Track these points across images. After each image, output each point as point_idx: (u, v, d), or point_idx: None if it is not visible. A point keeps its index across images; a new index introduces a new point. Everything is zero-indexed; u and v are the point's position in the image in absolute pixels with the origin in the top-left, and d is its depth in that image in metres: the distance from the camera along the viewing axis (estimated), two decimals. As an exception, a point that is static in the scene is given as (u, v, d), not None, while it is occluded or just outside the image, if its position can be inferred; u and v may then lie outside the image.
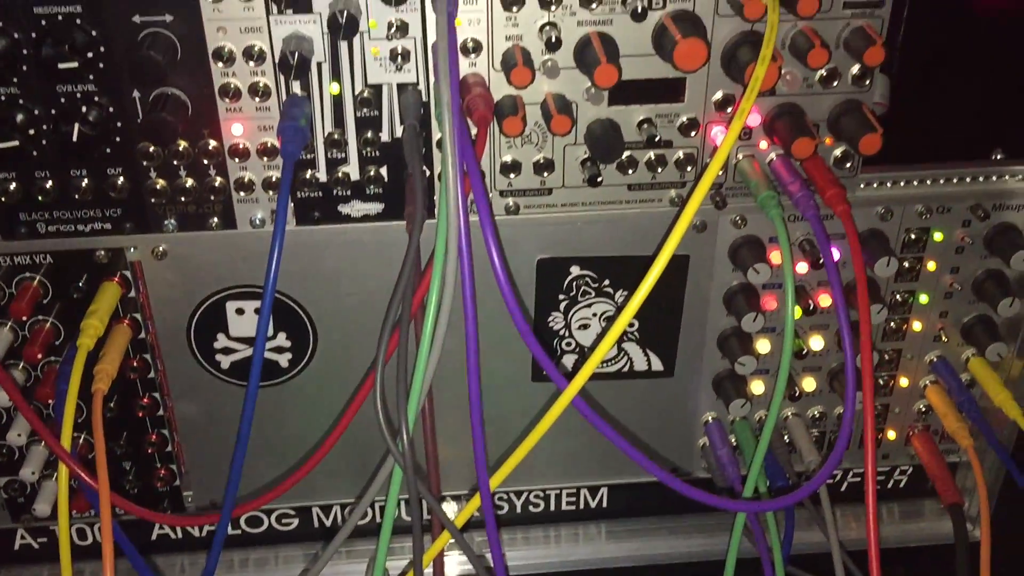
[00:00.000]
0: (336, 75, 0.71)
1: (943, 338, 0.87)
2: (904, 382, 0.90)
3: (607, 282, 0.83)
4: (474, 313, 0.62)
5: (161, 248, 0.77)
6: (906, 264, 0.83)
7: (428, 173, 0.75)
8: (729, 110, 0.75)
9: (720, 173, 0.77)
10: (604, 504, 0.96)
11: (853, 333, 0.72)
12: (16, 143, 0.69)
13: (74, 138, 0.68)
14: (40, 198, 0.73)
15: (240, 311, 0.81)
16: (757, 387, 0.88)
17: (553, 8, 0.69)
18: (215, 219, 0.76)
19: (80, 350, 0.72)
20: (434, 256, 0.62)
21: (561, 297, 0.83)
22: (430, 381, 0.64)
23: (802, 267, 0.82)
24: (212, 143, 0.72)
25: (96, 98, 0.69)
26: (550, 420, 0.65)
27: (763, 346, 0.86)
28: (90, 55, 0.68)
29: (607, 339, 0.62)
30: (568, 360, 0.86)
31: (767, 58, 0.60)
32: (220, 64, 0.69)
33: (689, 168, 0.77)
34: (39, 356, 0.77)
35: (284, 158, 0.68)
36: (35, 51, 0.67)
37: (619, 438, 0.66)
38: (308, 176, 0.75)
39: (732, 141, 0.60)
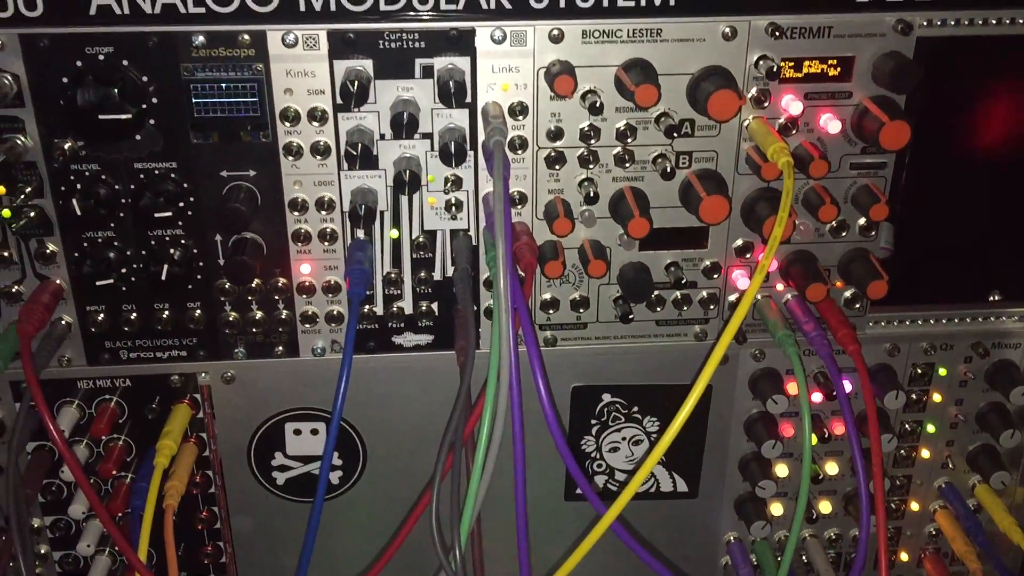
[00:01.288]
0: (396, 222, 0.80)
1: (950, 465, 0.93)
2: (915, 506, 0.95)
3: (636, 408, 0.89)
4: (521, 440, 0.68)
5: (230, 373, 0.84)
6: (913, 396, 0.89)
7: (476, 309, 0.82)
8: (748, 255, 0.82)
9: (740, 311, 0.85)
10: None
11: (866, 460, 0.78)
12: (112, 281, 0.77)
13: (163, 277, 0.76)
14: (126, 328, 0.80)
15: (298, 431, 0.87)
16: (776, 509, 0.94)
17: (591, 166, 0.78)
18: (280, 347, 0.83)
19: (156, 469, 0.78)
20: (486, 386, 0.69)
21: (593, 422, 0.90)
22: (481, 502, 0.70)
23: (817, 397, 0.89)
24: (282, 280, 0.80)
25: (183, 241, 0.78)
26: (590, 543, 0.71)
27: (781, 470, 0.92)
28: (181, 204, 0.76)
29: (643, 469, 0.68)
30: (598, 480, 0.92)
31: (784, 220, 0.67)
32: (295, 213, 0.78)
33: (712, 307, 0.84)
34: (113, 472, 0.83)
35: (351, 298, 0.76)
36: (133, 200, 0.76)
37: (652, 559, 0.72)
38: (366, 310, 0.82)
39: (755, 291, 0.67)
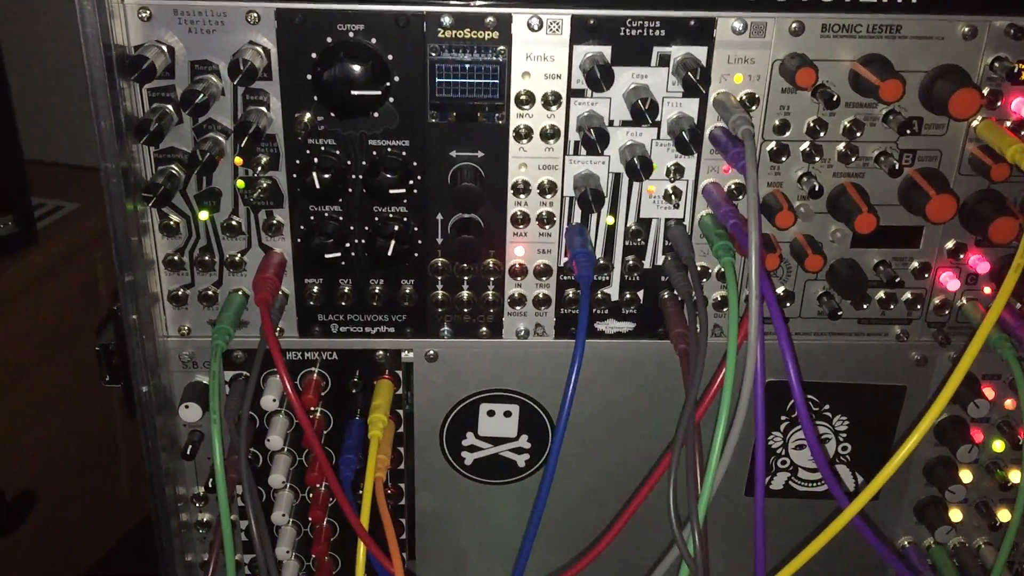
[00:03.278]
0: (613, 209, 0.80)
1: None
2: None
3: (827, 407, 0.89)
4: (763, 426, 0.69)
5: (433, 352, 0.85)
6: (1110, 408, 0.89)
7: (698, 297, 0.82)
8: (960, 257, 0.82)
9: (946, 312, 0.85)
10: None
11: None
12: (339, 254, 0.78)
13: (390, 253, 0.78)
14: (341, 303, 0.82)
15: (491, 413, 0.88)
16: (955, 515, 0.93)
17: (815, 160, 0.78)
18: (484, 328, 0.84)
19: (372, 441, 0.80)
20: (724, 373, 0.70)
21: (783, 418, 0.90)
22: (719, 480, 0.71)
23: (1009, 403, 0.88)
24: (494, 262, 0.81)
25: (404, 218, 0.79)
26: (830, 534, 0.71)
27: (965, 476, 0.91)
28: (411, 182, 0.77)
29: (890, 465, 0.69)
30: (781, 476, 0.92)
31: (1038, 221, 0.67)
32: (519, 196, 0.79)
33: (917, 307, 0.84)
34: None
35: (581, 281, 0.77)
36: (366, 176, 0.77)
37: (891, 556, 0.73)
38: (571, 295, 0.83)
39: (1006, 297, 0.67)
